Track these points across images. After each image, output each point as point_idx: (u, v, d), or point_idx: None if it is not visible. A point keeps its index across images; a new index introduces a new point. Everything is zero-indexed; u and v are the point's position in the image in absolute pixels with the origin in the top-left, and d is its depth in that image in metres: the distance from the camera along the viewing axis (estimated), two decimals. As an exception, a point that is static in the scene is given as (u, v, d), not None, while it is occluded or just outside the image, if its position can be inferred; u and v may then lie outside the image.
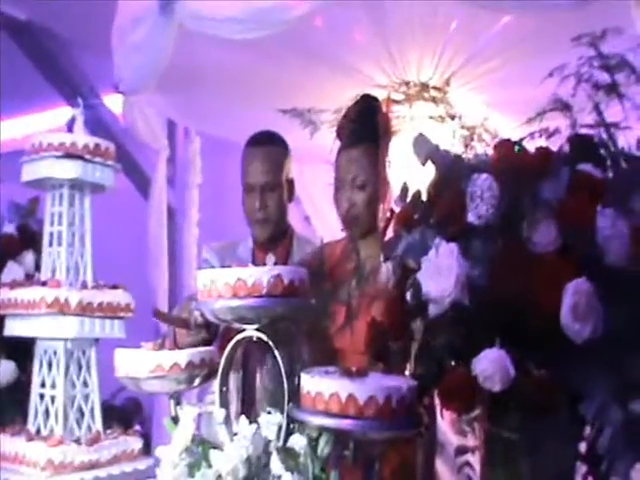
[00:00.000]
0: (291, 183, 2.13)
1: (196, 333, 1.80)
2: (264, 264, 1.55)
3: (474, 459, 1.50)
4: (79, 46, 3.77)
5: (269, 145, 2.08)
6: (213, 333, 1.82)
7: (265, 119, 2.55)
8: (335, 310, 1.58)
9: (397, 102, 1.93)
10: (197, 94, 2.74)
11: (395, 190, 1.55)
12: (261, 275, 1.45)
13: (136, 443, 1.99)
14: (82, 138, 1.94)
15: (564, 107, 1.45)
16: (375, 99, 1.87)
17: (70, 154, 1.90)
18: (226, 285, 1.46)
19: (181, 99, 2.87)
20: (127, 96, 2.77)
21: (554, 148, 1.38)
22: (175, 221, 3.57)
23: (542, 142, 1.42)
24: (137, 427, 2.27)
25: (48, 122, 4.41)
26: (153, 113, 3.09)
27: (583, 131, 1.42)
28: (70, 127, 2.02)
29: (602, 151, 1.39)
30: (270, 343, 1.52)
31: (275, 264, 1.55)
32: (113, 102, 3.63)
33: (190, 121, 3.33)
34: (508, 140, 1.40)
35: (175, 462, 1.50)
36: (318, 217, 3.25)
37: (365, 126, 1.80)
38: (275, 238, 2.10)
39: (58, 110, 4.16)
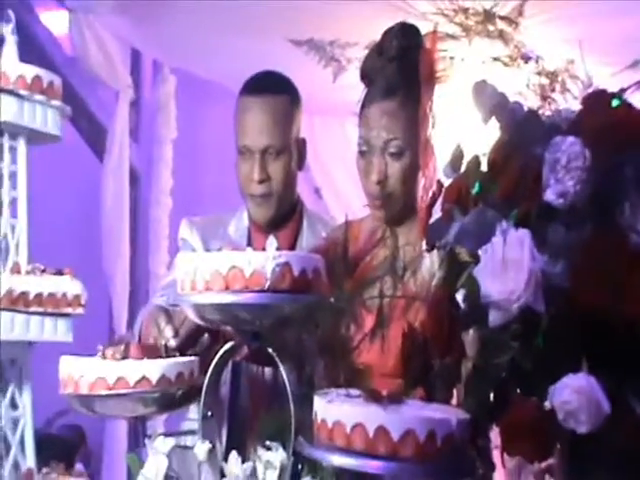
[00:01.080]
0: (302, 144, 2.14)
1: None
2: (263, 250, 1.57)
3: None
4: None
5: (273, 93, 2.07)
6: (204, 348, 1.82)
7: (268, 52, 2.55)
8: (360, 314, 1.60)
9: (449, 37, 1.92)
10: (174, 15, 2.75)
11: (442, 157, 1.56)
12: (263, 263, 1.48)
13: (81, 486, 2.02)
14: (16, 67, 1.94)
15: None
16: (417, 31, 1.88)
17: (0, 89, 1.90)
18: (216, 274, 1.48)
19: (152, 22, 2.88)
20: (75, 13, 2.77)
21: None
22: (139, 187, 3.59)
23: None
24: (79, 465, 2.29)
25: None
26: (111, 39, 3.09)
27: None
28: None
29: None
30: (273, 354, 1.55)
31: (278, 249, 1.57)
32: (53, 19, 3.64)
33: (162, 53, 3.34)
34: (603, 91, 1.42)
35: (140, 512, 1.53)
36: (331, 189, 3.26)
37: (403, 69, 1.82)
38: (279, 218, 2.12)
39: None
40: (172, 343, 1.72)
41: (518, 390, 1.34)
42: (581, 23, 2.33)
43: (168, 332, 1.72)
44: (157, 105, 3.60)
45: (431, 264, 1.58)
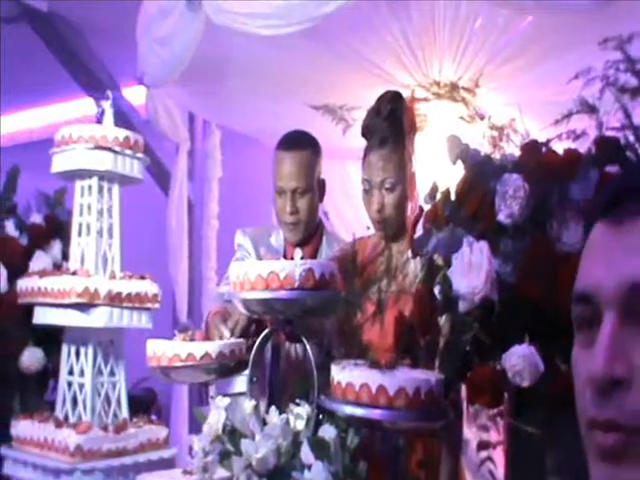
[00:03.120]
0: (322, 184, 2.14)
1: None
2: (293, 258, 1.60)
3: (495, 454, 1.54)
4: (99, 38, 3.83)
5: (300, 149, 2.07)
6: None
7: (292, 113, 2.59)
8: (365, 305, 1.63)
9: (426, 101, 1.97)
10: (221, 88, 2.79)
11: (423, 189, 1.59)
12: (293, 268, 1.50)
13: (162, 432, 2.05)
14: (112, 130, 2.00)
15: (590, 109, 1.48)
16: (401, 96, 1.90)
17: (100, 146, 1.95)
18: (259, 277, 1.51)
19: (204, 92, 2.93)
20: (150, 88, 2.82)
21: (581, 150, 1.43)
22: (195, 213, 3.63)
23: (568, 144, 1.47)
24: (153, 417, 2.32)
25: (65, 113, 4.47)
26: (173, 105, 3.14)
27: (609, 133, 1.45)
28: (99, 119, 2.07)
29: (628, 153, 1.43)
30: (301, 336, 1.57)
31: (302, 258, 1.60)
32: (132, 94, 3.70)
33: (212, 114, 3.38)
34: (535, 141, 1.45)
35: (206, 450, 1.55)
36: (336, 213, 3.29)
37: (392, 124, 1.83)
38: (305, 238, 2.13)
39: (78, 101, 4.21)
40: (232, 340, 1.72)
41: (479, 357, 1.36)
42: (517, 91, 2.37)
43: (226, 333, 1.72)
44: (207, 153, 3.62)
45: (415, 267, 1.60)
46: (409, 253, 1.61)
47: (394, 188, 1.84)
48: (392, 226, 1.86)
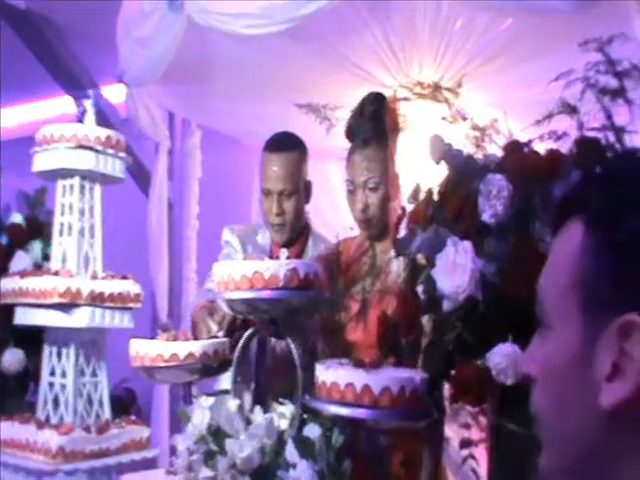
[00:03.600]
0: (308, 185, 2.15)
1: None
2: (278, 258, 1.60)
3: (477, 452, 1.55)
4: (78, 36, 3.78)
5: (287, 151, 2.07)
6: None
7: (275, 113, 2.58)
8: (349, 304, 1.63)
9: (408, 101, 1.98)
10: (202, 88, 2.78)
11: (406, 190, 1.59)
12: (278, 268, 1.49)
13: (144, 432, 2.04)
14: (94, 130, 1.98)
15: (571, 110, 1.49)
16: (384, 97, 1.90)
17: (83, 145, 1.93)
18: (243, 277, 1.50)
19: (185, 92, 2.91)
20: (131, 87, 2.80)
21: (562, 150, 1.44)
22: (174, 213, 3.59)
23: (549, 144, 1.48)
24: (132, 417, 2.31)
25: (44, 111, 4.41)
26: (154, 105, 3.11)
27: (590, 134, 1.47)
28: (81, 118, 2.05)
29: (609, 154, 1.44)
30: (285, 335, 1.57)
31: (288, 258, 1.60)
32: (111, 92, 3.66)
33: (193, 114, 3.35)
34: (517, 141, 1.46)
35: (191, 450, 1.54)
36: (316, 213, 3.28)
37: (374, 126, 1.83)
38: (292, 239, 2.13)
39: (56, 99, 4.16)
40: (219, 334, 1.73)
41: (462, 356, 1.36)
42: (497, 91, 2.39)
43: (214, 327, 1.73)
44: (186, 152, 3.60)
45: (398, 267, 1.60)
46: (392, 253, 1.62)
47: (377, 188, 1.84)
48: (376, 226, 1.86)
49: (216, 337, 1.74)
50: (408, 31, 2.38)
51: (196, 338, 1.73)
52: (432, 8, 2.32)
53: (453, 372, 1.41)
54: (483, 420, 1.50)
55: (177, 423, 3.43)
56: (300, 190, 2.10)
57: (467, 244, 1.33)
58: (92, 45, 3.65)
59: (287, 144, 2.10)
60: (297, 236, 2.14)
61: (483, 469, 1.52)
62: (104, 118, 3.57)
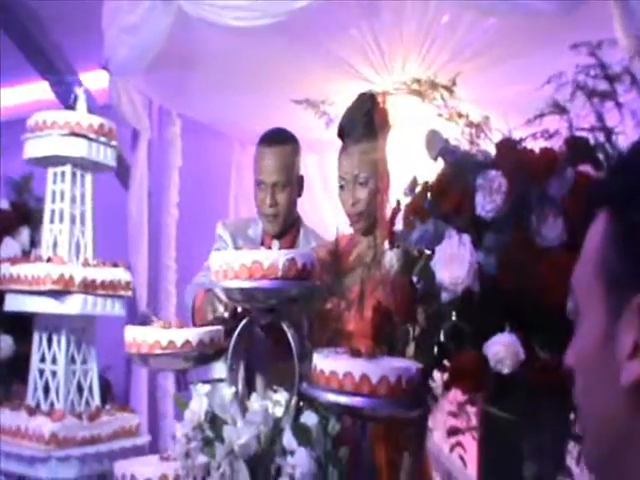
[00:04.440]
0: (301, 179, 2.19)
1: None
2: (270, 249, 1.62)
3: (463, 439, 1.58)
4: (55, 21, 3.71)
5: (281, 144, 2.12)
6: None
7: (257, 107, 2.58)
8: (344, 295, 1.65)
9: (407, 99, 2.00)
10: (187, 77, 2.76)
11: (402, 182, 1.62)
12: (277, 258, 1.51)
13: (134, 419, 2.04)
14: (87, 117, 1.97)
15: (561, 110, 1.53)
16: (372, 96, 1.94)
17: (75, 133, 1.92)
18: (242, 267, 1.51)
19: (169, 80, 2.89)
20: (114, 76, 2.76)
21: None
22: (154, 202, 3.56)
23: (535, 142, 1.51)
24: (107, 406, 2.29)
25: (21, 96, 4.33)
26: (136, 93, 3.08)
27: (579, 134, 1.50)
28: (72, 105, 2.03)
29: (599, 154, 1.48)
30: (284, 324, 1.59)
31: (280, 249, 1.62)
32: (89, 79, 3.61)
33: (175, 103, 3.32)
34: (511, 139, 1.49)
35: (189, 437, 1.55)
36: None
37: (366, 124, 1.87)
38: (284, 231, 2.17)
39: (33, 85, 4.09)
40: (225, 315, 1.75)
41: (459, 345, 1.39)
42: (480, 89, 2.43)
43: (221, 308, 1.75)
44: (167, 141, 3.56)
45: (391, 258, 1.63)
46: (385, 245, 1.64)
47: (367, 182, 1.87)
48: (366, 220, 1.90)
49: (223, 318, 1.76)
50: (395, 26, 2.40)
51: (195, 324, 1.74)
52: (420, 4, 2.34)
53: (445, 361, 1.45)
54: (470, 409, 1.54)
55: (155, 413, 3.44)
56: (293, 183, 2.15)
57: (466, 237, 1.36)
58: (70, 31, 3.57)
59: (280, 138, 2.14)
60: (288, 228, 2.19)
61: (469, 456, 1.56)
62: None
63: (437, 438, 1.92)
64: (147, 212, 3.42)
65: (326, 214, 3.39)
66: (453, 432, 1.57)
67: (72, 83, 3.74)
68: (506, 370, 1.30)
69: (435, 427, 1.70)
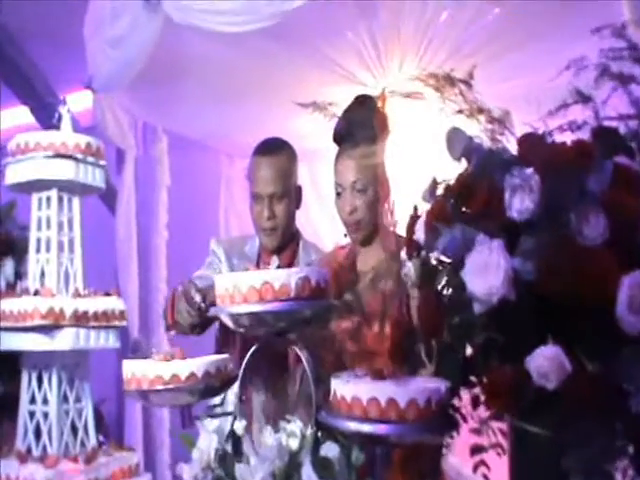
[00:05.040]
0: (299, 190, 2.07)
1: (197, 315, 1.73)
2: (268, 265, 1.50)
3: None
4: (34, 43, 3.58)
5: (277, 154, 2.01)
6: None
7: (246, 117, 2.47)
8: (363, 312, 1.54)
9: (422, 96, 1.89)
10: (174, 90, 2.64)
11: (421, 185, 1.50)
12: (288, 277, 1.38)
13: (132, 458, 1.89)
14: (72, 137, 1.83)
15: (586, 99, 1.42)
16: (370, 98, 1.85)
17: (61, 154, 1.77)
18: (251, 289, 1.38)
19: (155, 96, 2.76)
20: (99, 94, 2.63)
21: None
22: (140, 223, 3.41)
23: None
24: (101, 438, 2.14)
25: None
26: (121, 111, 2.95)
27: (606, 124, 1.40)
28: (56, 125, 1.89)
29: (632, 143, 1.37)
30: (295, 347, 1.46)
31: (279, 267, 1.50)
32: (71, 102, 3.47)
33: (161, 119, 3.20)
34: (532, 134, 1.37)
35: (199, 478, 1.41)
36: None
37: (363, 128, 1.77)
38: (282, 245, 2.05)
39: (11, 110, 3.94)
40: (202, 305, 1.65)
41: (496, 359, 1.26)
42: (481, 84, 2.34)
43: (198, 297, 1.66)
44: (154, 160, 3.43)
45: (409, 269, 1.51)
46: (400, 255, 1.52)
47: (366, 189, 1.78)
48: (365, 229, 1.81)
49: (199, 308, 1.66)
50: (393, 27, 2.30)
51: (167, 321, 1.60)
52: (419, 3, 2.25)
53: (473, 378, 1.32)
54: (494, 424, 1.42)
55: (152, 446, 3.28)
56: (291, 193, 2.03)
57: (498, 242, 1.23)
58: (50, 52, 3.46)
59: (276, 148, 2.03)
60: (288, 242, 2.07)
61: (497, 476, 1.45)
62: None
63: (453, 459, 1.81)
64: (136, 233, 3.29)
65: (320, 227, 3.28)
66: (476, 450, 1.45)
67: (54, 105, 3.60)
68: (551, 385, 1.17)
69: (450, 446, 1.59)
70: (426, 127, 1.94)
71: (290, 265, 1.96)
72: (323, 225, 3.26)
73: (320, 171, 2.99)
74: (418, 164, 1.66)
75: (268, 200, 1.98)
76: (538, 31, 2.36)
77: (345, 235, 1.87)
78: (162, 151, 3.37)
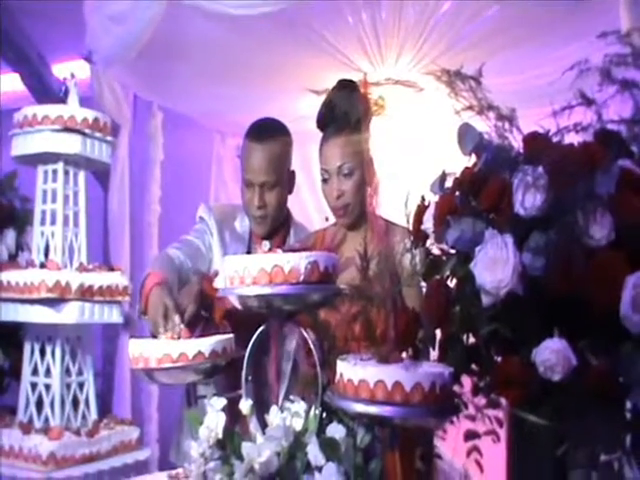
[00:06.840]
0: (292, 175, 2.03)
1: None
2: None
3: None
4: (26, 11, 3.51)
5: (271, 141, 1.95)
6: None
7: (244, 97, 2.46)
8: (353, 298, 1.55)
9: (437, 91, 1.90)
10: (174, 68, 2.61)
11: (430, 178, 1.51)
12: (298, 261, 1.39)
13: (133, 432, 1.90)
14: (81, 111, 1.81)
15: (589, 102, 1.44)
16: (352, 82, 1.84)
17: (69, 128, 1.76)
18: (262, 271, 1.39)
19: (154, 72, 2.73)
20: (98, 68, 2.59)
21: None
22: (133, 198, 3.38)
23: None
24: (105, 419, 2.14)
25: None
26: (118, 85, 2.91)
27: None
28: (64, 99, 1.87)
29: (633, 147, 1.40)
30: (303, 330, 1.47)
31: (270, 250, 1.51)
32: (62, 70, 3.41)
33: (159, 95, 3.16)
34: (539, 133, 1.40)
35: (206, 456, 1.43)
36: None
37: (346, 112, 1.77)
38: (273, 231, 2.03)
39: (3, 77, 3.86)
40: (178, 329, 1.58)
41: (500, 351, 1.30)
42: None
43: (177, 320, 1.58)
44: (147, 136, 3.40)
45: (412, 258, 1.53)
46: (407, 242, 1.54)
47: (352, 173, 1.78)
48: (352, 213, 1.81)
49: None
50: (394, 17, 2.30)
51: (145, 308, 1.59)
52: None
53: (474, 366, 1.35)
54: (489, 412, 1.45)
55: (140, 423, 3.28)
56: (283, 181, 1.99)
57: (507, 237, 1.25)
58: (43, 22, 3.39)
59: (271, 132, 1.97)
60: (279, 227, 2.04)
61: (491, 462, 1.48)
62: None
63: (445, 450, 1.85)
64: (129, 209, 3.27)
65: (313, 212, 3.28)
66: (470, 436, 1.48)
67: (45, 75, 3.55)
68: (557, 377, 1.21)
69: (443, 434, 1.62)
70: (424, 118, 1.95)
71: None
72: (312, 206, 3.27)
73: (312, 153, 2.99)
74: (415, 153, 1.66)
75: (259, 188, 1.94)
76: (535, 29, 2.37)
77: (326, 219, 1.88)
78: (156, 127, 3.34)
